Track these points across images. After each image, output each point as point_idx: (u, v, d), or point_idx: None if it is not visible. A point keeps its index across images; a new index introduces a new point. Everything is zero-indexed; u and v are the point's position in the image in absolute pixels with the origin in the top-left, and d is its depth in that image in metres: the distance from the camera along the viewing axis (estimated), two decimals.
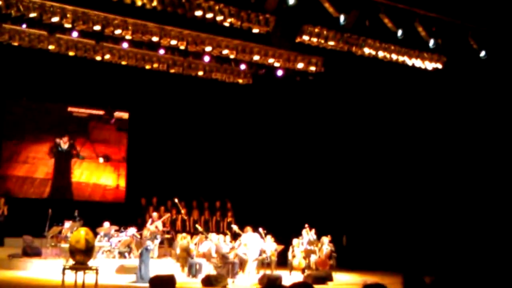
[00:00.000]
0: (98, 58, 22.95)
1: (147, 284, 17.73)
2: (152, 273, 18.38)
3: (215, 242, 20.90)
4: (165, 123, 27.03)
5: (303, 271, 21.43)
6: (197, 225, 23.60)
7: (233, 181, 26.75)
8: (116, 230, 22.28)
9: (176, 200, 24.94)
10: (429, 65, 22.46)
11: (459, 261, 20.11)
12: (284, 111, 27.08)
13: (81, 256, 16.64)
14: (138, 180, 26.82)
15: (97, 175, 28.71)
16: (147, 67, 23.95)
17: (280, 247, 22.00)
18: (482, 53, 20.65)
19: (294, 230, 22.61)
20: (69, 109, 28.40)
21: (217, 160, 27.24)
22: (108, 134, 29.10)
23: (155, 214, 23.20)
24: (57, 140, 28.22)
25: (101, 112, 28.98)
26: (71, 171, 28.26)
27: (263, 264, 21.60)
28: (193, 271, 20.28)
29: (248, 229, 21.57)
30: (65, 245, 19.56)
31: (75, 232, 17.61)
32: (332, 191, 26.19)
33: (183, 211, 25.11)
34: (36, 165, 27.62)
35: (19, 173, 27.20)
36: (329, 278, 20.84)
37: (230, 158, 27.30)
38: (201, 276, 19.55)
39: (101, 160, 28.85)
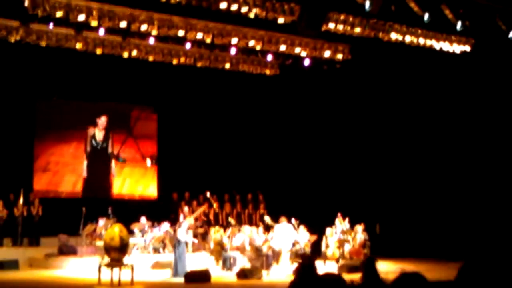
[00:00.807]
0: (125, 54, 23.04)
1: (182, 279, 17.81)
2: (187, 268, 18.46)
3: (248, 234, 20.91)
4: (194, 117, 26.92)
5: (337, 261, 21.35)
6: (229, 218, 23.63)
7: (264, 172, 26.66)
8: (150, 226, 22.39)
9: (208, 194, 24.93)
10: (457, 48, 22.24)
11: (491, 246, 19.92)
12: (312, 101, 26.94)
13: (116, 253, 16.83)
14: (170, 175, 26.68)
15: (145, 184, 26.28)
16: (174, 61, 23.97)
17: (313, 237, 21.94)
18: (511, 34, 20.39)
19: (327, 219, 22.52)
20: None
21: (247, 153, 27.15)
22: (156, 127, 26.59)
23: (186, 209, 23.29)
24: (90, 130, 25.56)
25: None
26: (111, 174, 25.72)
27: (297, 255, 21.56)
28: (227, 264, 20.31)
29: (283, 219, 21.50)
30: (99, 243, 19.71)
31: (109, 230, 17.80)
32: (364, 180, 26.01)
33: (215, 205, 25.11)
34: (61, 174, 25.10)
35: (38, 186, 24.45)
36: None
37: (260, 150, 27.19)
38: (235, 269, 19.59)
39: (148, 163, 26.39)
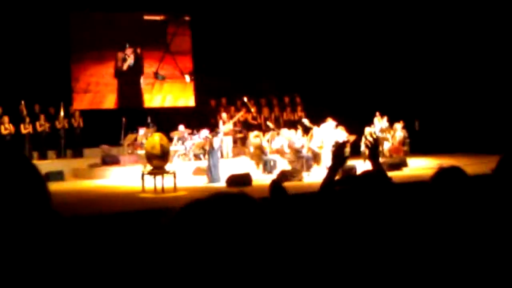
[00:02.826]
0: None
1: (220, 184, 18.02)
2: (225, 173, 18.64)
3: (287, 137, 21.01)
4: (228, 21, 26.40)
5: None
6: (268, 122, 23.71)
7: (301, 75, 26.41)
8: (189, 133, 22.54)
9: (245, 99, 24.95)
10: None
11: None
12: None
13: (158, 161, 17.12)
14: (206, 84, 26.45)
15: (186, 98, 26.41)
16: None
17: (353, 137, 21.94)
18: None
19: (365, 119, 22.47)
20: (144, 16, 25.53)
21: (283, 55, 26.79)
22: (190, 42, 26.36)
23: (224, 115, 23.38)
24: (120, 54, 25.52)
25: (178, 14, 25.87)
26: (141, 90, 25.79)
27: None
28: (268, 167, 20.50)
29: (329, 119, 21.35)
30: (141, 152, 19.99)
31: (149, 138, 18.06)
32: (401, 76, 25.67)
33: (253, 110, 25.15)
34: (102, 94, 25.35)
35: (81, 106, 24.53)
36: (404, 164, 20.79)
37: (296, 52, 26.82)
38: (276, 172, 19.75)
39: (187, 78, 26.39)
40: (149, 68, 26.11)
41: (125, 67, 25.74)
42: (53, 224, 1.73)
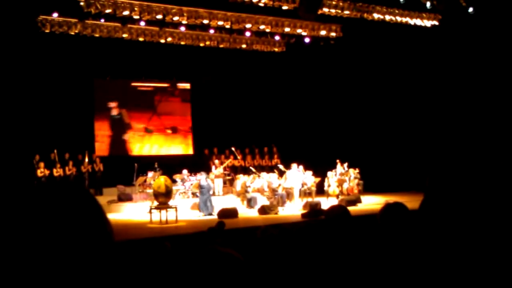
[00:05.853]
0: (162, 40, 23.04)
1: (213, 217, 17.96)
2: (216, 207, 18.61)
3: (266, 179, 21.07)
4: (220, 89, 26.77)
5: (337, 196, 21.49)
6: (251, 167, 23.76)
7: (277, 129, 26.63)
8: (188, 176, 22.49)
9: (233, 149, 25.03)
10: (428, 23, 22.09)
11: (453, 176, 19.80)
12: (313, 71, 26.74)
13: (163, 198, 17.08)
14: (202, 135, 26.68)
15: (168, 146, 26.88)
16: (201, 44, 23.94)
17: (318, 179, 22.06)
18: (470, 9, 20.24)
19: (328, 165, 22.59)
20: (133, 84, 26.05)
21: (263, 114, 27.03)
22: (173, 106, 26.99)
23: (217, 161, 23.47)
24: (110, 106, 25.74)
25: (165, 85, 26.81)
26: (126, 140, 25.91)
27: (305, 193, 21.72)
28: (251, 203, 20.49)
29: (293, 165, 21.60)
30: (149, 191, 19.91)
31: (156, 180, 18.04)
32: (357, 132, 25.99)
33: (239, 157, 25.23)
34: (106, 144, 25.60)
35: (100, 153, 24.95)
36: (359, 201, 20.88)
37: (273, 112, 27.09)
38: (257, 207, 19.76)
39: (169, 131, 26.88)
40: (140, 124, 26.30)
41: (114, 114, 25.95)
42: (111, 249, 1.71)
